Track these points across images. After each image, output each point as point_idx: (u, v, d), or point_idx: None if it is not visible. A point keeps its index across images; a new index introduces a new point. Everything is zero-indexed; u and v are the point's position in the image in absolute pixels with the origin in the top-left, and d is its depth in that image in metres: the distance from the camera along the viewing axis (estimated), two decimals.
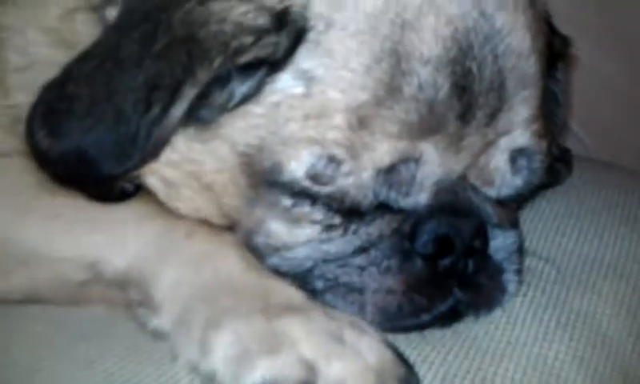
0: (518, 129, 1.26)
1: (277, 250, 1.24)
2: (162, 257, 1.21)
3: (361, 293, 1.21)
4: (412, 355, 1.19)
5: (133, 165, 1.17)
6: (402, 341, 1.21)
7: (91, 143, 1.17)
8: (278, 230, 1.23)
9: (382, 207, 1.21)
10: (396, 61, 1.15)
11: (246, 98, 1.17)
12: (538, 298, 1.33)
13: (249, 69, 1.15)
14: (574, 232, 1.49)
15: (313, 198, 1.18)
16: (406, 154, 1.17)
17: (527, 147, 1.28)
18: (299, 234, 1.22)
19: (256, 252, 1.24)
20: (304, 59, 1.16)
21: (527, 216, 1.53)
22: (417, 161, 1.18)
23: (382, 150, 1.16)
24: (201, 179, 1.23)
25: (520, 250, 1.35)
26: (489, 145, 1.25)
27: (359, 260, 1.22)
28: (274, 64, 1.15)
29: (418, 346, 1.22)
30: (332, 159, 1.15)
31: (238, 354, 1.07)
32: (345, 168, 1.15)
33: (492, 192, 1.28)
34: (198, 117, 1.19)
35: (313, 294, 1.21)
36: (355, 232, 1.22)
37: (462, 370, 1.19)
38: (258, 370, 1.05)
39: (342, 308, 1.20)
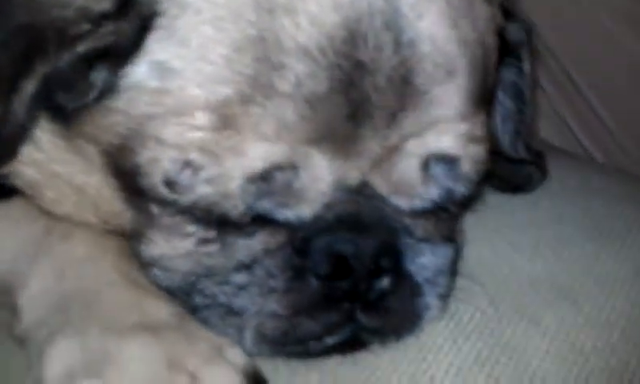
0: (432, 131, 1.08)
1: (157, 260, 1.11)
2: (33, 261, 1.11)
3: (239, 315, 1.07)
4: None
5: None
6: (286, 368, 1.08)
7: None
8: (155, 239, 1.10)
9: (262, 219, 1.06)
10: (263, 51, 1.00)
11: (105, 93, 1.05)
12: (463, 326, 1.15)
13: (103, 59, 1.03)
14: (529, 246, 1.30)
15: (177, 208, 1.06)
16: (282, 159, 1.02)
17: (445, 153, 1.10)
18: (177, 246, 1.09)
19: (140, 261, 1.13)
20: (158, 49, 1.02)
21: (484, 225, 1.35)
22: (295, 167, 1.03)
23: (254, 155, 1.01)
24: (72, 181, 1.13)
25: (451, 270, 1.19)
26: (392, 150, 1.08)
27: (239, 278, 1.08)
28: (123, 54, 1.02)
29: (304, 375, 1.08)
30: (187, 164, 1.01)
31: (63, 373, 0.97)
32: (204, 174, 1.01)
33: (403, 203, 1.12)
34: (63, 112, 1.08)
35: (193, 311, 1.09)
36: (234, 246, 1.08)
37: None
38: None
39: (219, 330, 1.08)
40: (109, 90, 1.04)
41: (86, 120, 1.07)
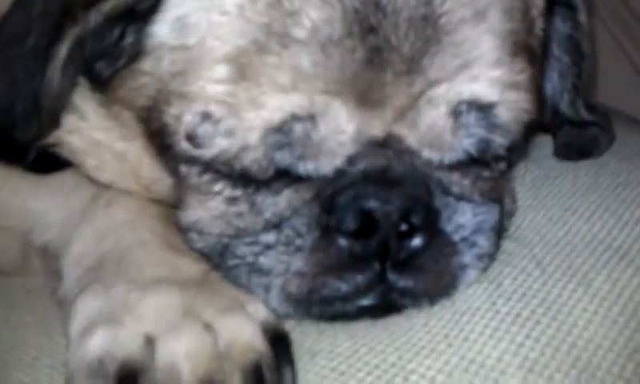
0: (462, 76, 1.03)
1: (193, 224, 1.13)
2: (78, 226, 1.16)
3: (266, 274, 1.07)
4: (319, 345, 1.04)
5: (34, 133, 1.13)
6: (314, 330, 1.06)
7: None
8: (191, 202, 1.12)
9: (288, 174, 1.05)
10: None
11: (134, 56, 1.08)
12: (504, 288, 1.09)
13: (129, 20, 1.06)
14: (589, 210, 1.22)
15: (202, 165, 1.06)
16: (300, 110, 1.00)
17: (478, 99, 1.04)
18: (209, 207, 1.10)
19: (179, 227, 1.15)
20: (177, 4, 1.04)
21: (541, 191, 1.28)
22: (313, 118, 1.00)
23: (272, 106, 1.00)
24: (112, 148, 1.16)
25: (495, 229, 1.13)
26: (418, 97, 1.03)
27: (268, 237, 1.07)
28: (146, 13, 1.05)
29: (332, 336, 1.05)
30: (207, 117, 1.01)
31: (84, 323, 1.00)
32: (223, 126, 1.01)
33: (435, 156, 1.07)
34: (101, 80, 1.12)
35: (226, 271, 1.09)
36: (262, 205, 1.07)
37: (370, 364, 1.01)
38: (95, 338, 0.97)
39: (248, 289, 1.07)
40: (137, 52, 1.07)
41: (120, 85, 1.11)
